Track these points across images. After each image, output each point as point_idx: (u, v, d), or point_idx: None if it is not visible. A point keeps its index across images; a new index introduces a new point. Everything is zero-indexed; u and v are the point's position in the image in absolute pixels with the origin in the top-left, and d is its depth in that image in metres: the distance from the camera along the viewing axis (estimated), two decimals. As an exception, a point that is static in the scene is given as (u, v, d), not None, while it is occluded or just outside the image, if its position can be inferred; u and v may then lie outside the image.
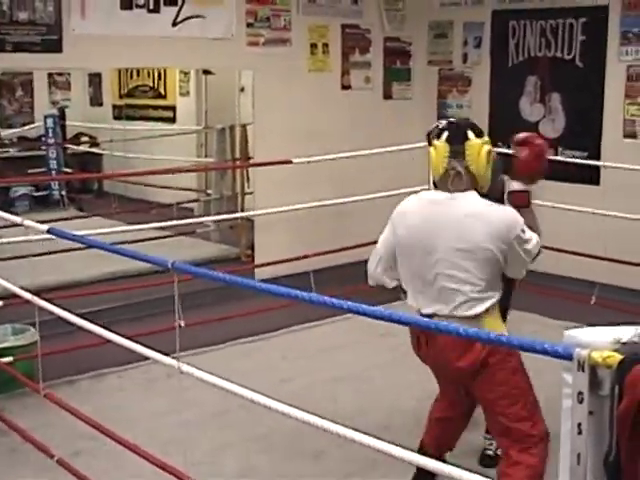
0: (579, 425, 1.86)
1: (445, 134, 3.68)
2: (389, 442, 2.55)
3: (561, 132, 8.36)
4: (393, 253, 3.87)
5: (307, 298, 2.74)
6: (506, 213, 3.67)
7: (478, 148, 3.63)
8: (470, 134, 3.66)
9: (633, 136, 7.84)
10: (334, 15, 8.58)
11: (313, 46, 8.48)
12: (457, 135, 3.67)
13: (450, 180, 3.65)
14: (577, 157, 8.02)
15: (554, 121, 8.43)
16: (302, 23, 8.32)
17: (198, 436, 4.84)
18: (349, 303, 2.62)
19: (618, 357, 1.80)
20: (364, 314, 2.60)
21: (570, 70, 8.26)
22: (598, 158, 7.84)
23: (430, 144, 3.83)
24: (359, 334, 6.66)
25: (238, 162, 9.38)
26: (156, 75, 12.12)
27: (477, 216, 3.58)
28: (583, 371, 1.84)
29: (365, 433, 2.63)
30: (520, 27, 8.63)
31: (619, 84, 7.92)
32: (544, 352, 2.08)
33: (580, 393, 1.85)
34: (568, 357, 1.88)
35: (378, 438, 2.59)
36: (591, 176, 7.85)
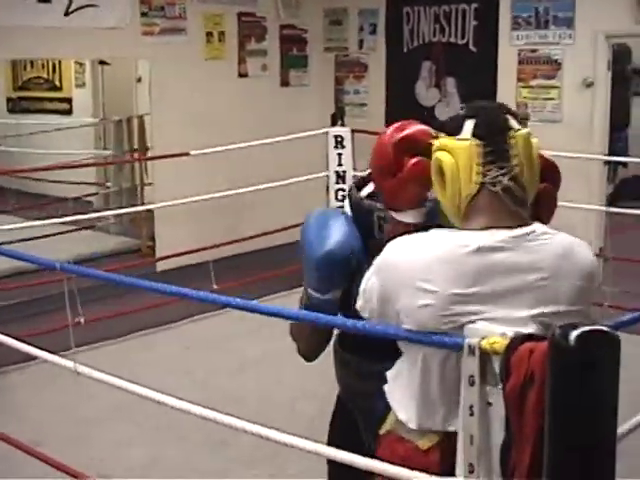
0: (471, 407, 1.91)
1: (470, 124, 2.18)
2: (294, 430, 2.56)
3: (456, 116, 8.48)
4: None
5: (181, 293, 2.73)
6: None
7: (527, 142, 2.18)
8: (511, 121, 2.19)
9: (525, 119, 8.01)
10: (229, 3, 8.56)
11: (209, 35, 8.45)
12: (491, 124, 2.17)
13: (496, 204, 2.14)
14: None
15: (449, 105, 8.55)
16: (197, 12, 8.28)
17: (102, 430, 4.80)
18: (223, 297, 2.65)
19: (504, 342, 1.85)
20: (239, 308, 2.58)
21: (464, 55, 8.41)
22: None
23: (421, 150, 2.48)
24: (260, 321, 6.64)
25: (136, 154, 9.29)
26: (51, 67, 11.90)
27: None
28: (474, 356, 1.90)
29: (269, 424, 2.62)
30: (414, 13, 8.74)
31: (511, 68, 8.09)
32: (433, 344, 2.08)
33: (471, 376, 1.91)
34: (459, 345, 1.94)
35: (283, 424, 2.59)
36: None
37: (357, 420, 2.82)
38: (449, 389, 2.10)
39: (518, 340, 1.84)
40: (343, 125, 7.77)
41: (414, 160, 2.51)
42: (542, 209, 2.32)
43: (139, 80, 9.96)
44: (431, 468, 2.17)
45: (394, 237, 2.25)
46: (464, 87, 8.46)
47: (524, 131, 2.18)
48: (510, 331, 1.90)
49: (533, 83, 7.99)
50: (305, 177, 7.69)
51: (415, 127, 2.68)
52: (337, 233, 2.57)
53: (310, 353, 2.97)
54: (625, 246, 7.60)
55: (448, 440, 2.13)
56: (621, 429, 2.60)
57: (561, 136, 7.57)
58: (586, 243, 2.22)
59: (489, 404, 1.91)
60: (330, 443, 3.04)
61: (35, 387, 5.79)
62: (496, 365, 1.86)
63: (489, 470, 1.91)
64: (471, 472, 1.92)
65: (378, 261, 2.22)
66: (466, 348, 1.91)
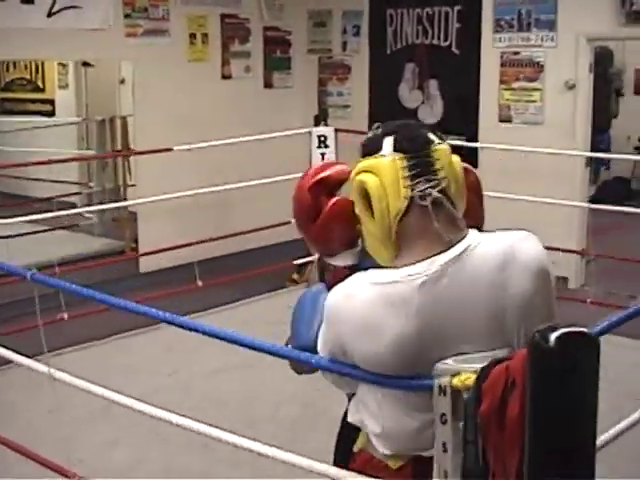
0: (444, 444, 1.95)
1: (389, 140, 2.11)
2: (276, 434, 2.56)
3: (439, 118, 8.52)
4: None
5: (122, 305, 2.70)
6: None
7: (449, 157, 2.14)
8: (431, 136, 2.15)
9: (508, 120, 8.06)
10: (213, 5, 8.56)
11: (192, 36, 8.45)
12: (412, 139, 2.11)
13: (431, 217, 2.04)
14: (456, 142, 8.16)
15: (432, 107, 8.59)
16: (181, 13, 8.27)
17: (84, 433, 4.79)
18: (160, 313, 2.63)
19: (473, 377, 1.88)
20: (175, 324, 2.56)
21: (447, 57, 8.43)
22: (476, 143, 8.01)
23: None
24: (245, 323, 6.66)
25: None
26: (34, 68, 11.86)
27: None
28: (445, 395, 1.92)
29: (251, 428, 2.62)
30: (397, 15, 8.76)
31: (494, 70, 8.12)
32: (401, 387, 2.08)
33: (443, 415, 1.94)
34: (427, 388, 1.97)
35: (266, 428, 2.59)
36: (470, 160, 8.00)
37: None
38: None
39: (484, 370, 1.86)
40: (327, 126, 7.79)
41: (332, 200, 2.49)
42: (469, 221, 2.14)
43: (122, 82, 9.95)
44: None
45: (336, 283, 2.12)
46: (447, 89, 8.49)
47: (445, 145, 2.13)
48: (480, 363, 1.92)
49: (515, 85, 8.02)
50: (287, 177, 7.69)
51: (332, 168, 2.64)
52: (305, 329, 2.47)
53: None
54: (607, 246, 7.65)
55: (420, 459, 2.11)
56: (603, 436, 2.63)
57: (543, 138, 7.62)
58: (528, 234, 2.08)
59: (455, 435, 1.92)
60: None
61: (16, 389, 5.78)
62: (470, 400, 1.88)
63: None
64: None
65: (324, 313, 2.14)
66: (436, 389, 1.94)
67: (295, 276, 7.83)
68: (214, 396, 5.30)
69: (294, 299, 2.57)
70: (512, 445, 1.79)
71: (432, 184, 2.04)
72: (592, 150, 8.14)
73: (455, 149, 2.18)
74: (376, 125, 2.18)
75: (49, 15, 7.16)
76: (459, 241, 2.03)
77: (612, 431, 2.47)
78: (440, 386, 1.93)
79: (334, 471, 2.27)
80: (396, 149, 2.08)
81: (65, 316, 5.74)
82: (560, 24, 7.73)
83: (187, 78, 8.36)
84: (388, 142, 2.09)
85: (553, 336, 1.66)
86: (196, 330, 2.52)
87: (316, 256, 2.81)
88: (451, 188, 2.09)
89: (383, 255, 2.12)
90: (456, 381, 1.91)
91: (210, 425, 2.82)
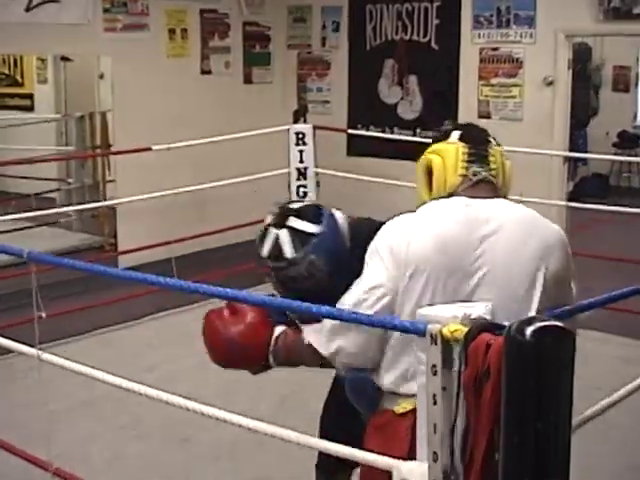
0: (434, 396, 1.93)
1: (457, 133, 2.63)
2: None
3: (419, 114, 8.55)
4: None
5: (166, 283, 2.70)
6: None
7: (502, 158, 2.63)
8: (490, 138, 2.66)
9: (487, 116, 8.08)
10: (192, 0, 8.54)
11: (171, 31, 8.43)
12: (475, 135, 2.66)
13: (470, 185, 2.56)
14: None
15: (412, 103, 8.61)
16: (160, 8, 8.25)
17: (64, 427, 4.77)
18: (206, 287, 2.54)
19: (464, 329, 1.87)
20: (223, 297, 2.58)
21: (426, 53, 8.45)
22: (455, 138, 8.03)
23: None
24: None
25: (98, 150, 9.25)
26: (12, 62, 11.80)
27: None
28: (436, 345, 1.90)
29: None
30: (377, 11, 8.77)
31: (473, 66, 8.15)
32: (395, 328, 2.15)
33: (434, 366, 1.91)
34: (421, 332, 1.95)
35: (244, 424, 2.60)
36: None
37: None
38: None
39: (474, 330, 1.87)
40: (305, 122, 7.79)
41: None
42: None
43: (101, 77, 9.91)
44: (400, 433, 2.34)
45: None
46: (426, 85, 8.51)
47: (500, 147, 2.64)
48: (459, 312, 1.93)
49: (494, 81, 8.05)
50: (265, 174, 7.71)
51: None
52: None
53: None
54: (586, 243, 7.68)
55: None
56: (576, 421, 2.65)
57: (522, 134, 7.65)
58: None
59: (444, 388, 1.93)
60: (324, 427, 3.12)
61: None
62: (456, 353, 1.89)
63: (452, 457, 1.94)
64: (435, 460, 1.94)
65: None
66: (428, 336, 1.92)
67: (274, 272, 7.81)
68: (194, 391, 5.27)
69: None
70: (482, 431, 1.82)
71: (484, 169, 2.55)
72: (570, 146, 8.18)
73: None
74: (447, 122, 3.18)
75: (28, 9, 7.13)
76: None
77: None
78: (432, 334, 1.91)
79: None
80: (461, 139, 2.59)
81: (43, 315, 5.71)
82: (539, 20, 7.76)
83: (166, 73, 8.34)
84: (456, 134, 2.62)
85: (529, 329, 1.68)
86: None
87: None
88: (499, 179, 2.58)
89: None
90: (446, 331, 1.90)
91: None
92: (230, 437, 4.52)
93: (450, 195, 2.52)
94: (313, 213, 2.74)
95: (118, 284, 6.24)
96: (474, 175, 2.52)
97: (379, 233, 2.47)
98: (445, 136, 2.64)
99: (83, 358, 3.50)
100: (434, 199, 2.54)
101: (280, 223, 2.72)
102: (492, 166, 2.55)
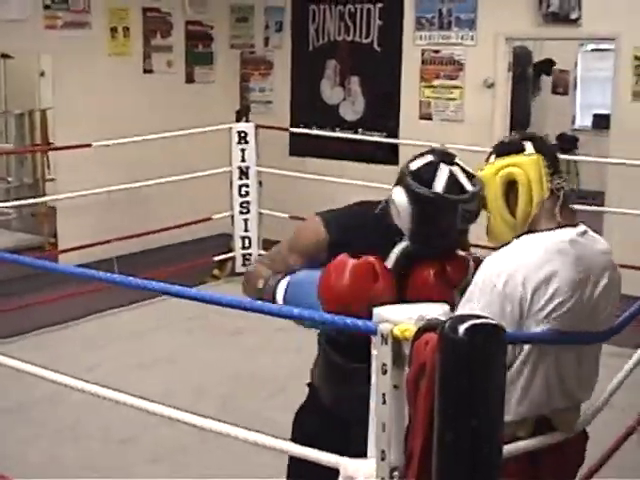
0: (383, 395, 1.94)
1: (530, 144, 2.56)
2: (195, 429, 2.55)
3: (361, 114, 8.59)
4: None
5: (115, 280, 2.66)
6: None
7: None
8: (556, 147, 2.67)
9: (428, 118, 8.15)
10: (134, -2, 8.51)
11: (113, 30, 8.37)
12: (545, 147, 2.60)
13: (559, 205, 2.51)
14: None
15: (354, 103, 8.65)
16: (102, 6, 8.19)
17: (1, 429, 4.73)
18: (157, 284, 2.53)
19: (414, 329, 1.89)
20: (176, 295, 2.54)
21: (368, 54, 8.50)
22: (396, 139, 8.08)
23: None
24: (165, 319, 6.66)
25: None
26: (-50, 59, 11.63)
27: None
28: (386, 344, 1.92)
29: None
30: (320, 12, 8.79)
31: (415, 68, 8.22)
32: (347, 327, 2.13)
33: (384, 365, 1.93)
34: (372, 332, 1.96)
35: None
36: (390, 157, 8.07)
37: (347, 429, 2.74)
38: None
39: (422, 329, 1.88)
40: (248, 122, 7.78)
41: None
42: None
43: (42, 74, 9.81)
44: None
45: None
46: (368, 86, 8.56)
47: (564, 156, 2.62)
48: (415, 314, 1.96)
49: (436, 83, 8.13)
50: (207, 172, 7.70)
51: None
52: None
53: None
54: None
55: None
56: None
57: (463, 135, 7.72)
58: None
59: (395, 387, 1.94)
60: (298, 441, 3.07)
61: None
62: (406, 351, 1.91)
63: (399, 454, 1.95)
64: (383, 459, 1.95)
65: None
66: (379, 336, 1.93)
67: (216, 272, 7.82)
68: (132, 391, 5.24)
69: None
70: (419, 427, 1.85)
71: (564, 180, 2.52)
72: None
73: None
74: (513, 133, 2.75)
75: (-35, 6, 7.05)
76: (576, 224, 2.52)
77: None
78: (382, 334, 1.93)
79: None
80: (537, 151, 2.52)
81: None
82: (480, 23, 7.85)
83: (108, 72, 8.29)
84: (530, 145, 2.54)
85: (462, 327, 1.70)
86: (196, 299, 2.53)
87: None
88: (570, 194, 2.53)
89: (507, 237, 2.52)
90: (397, 331, 1.91)
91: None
92: (170, 437, 4.50)
93: (536, 220, 2.49)
94: None
95: (57, 283, 6.20)
96: (558, 189, 2.49)
97: None
98: (518, 148, 2.55)
99: (23, 358, 3.47)
100: (520, 218, 2.50)
101: (447, 160, 2.61)
102: (564, 177, 2.55)
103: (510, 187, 2.51)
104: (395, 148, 7.94)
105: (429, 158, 2.63)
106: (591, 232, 2.53)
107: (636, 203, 6.64)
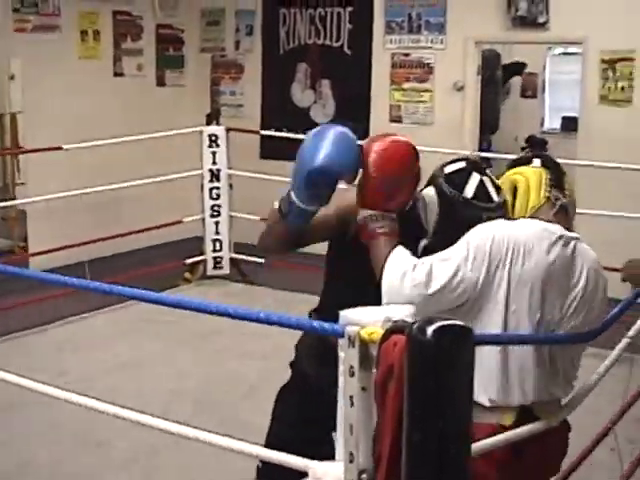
0: (351, 398, 1.95)
1: (539, 161, 2.89)
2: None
3: (331, 117, 8.64)
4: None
5: (85, 286, 2.67)
6: None
7: (573, 193, 2.88)
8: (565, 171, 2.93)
9: (398, 121, 8.22)
10: (104, 1, 8.50)
11: (84, 33, 8.37)
12: (553, 165, 2.90)
13: (553, 212, 2.78)
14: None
15: (324, 106, 8.71)
16: (72, 9, 8.19)
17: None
18: (128, 289, 2.53)
19: (381, 332, 1.91)
20: (146, 300, 2.55)
21: (339, 57, 8.56)
22: (367, 143, 8.13)
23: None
24: (137, 322, 6.66)
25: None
26: None
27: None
28: (353, 347, 1.93)
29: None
30: (290, 15, 8.84)
31: (385, 71, 8.30)
32: (315, 330, 2.18)
33: (351, 367, 1.94)
34: (339, 334, 1.97)
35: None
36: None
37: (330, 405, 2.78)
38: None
39: (388, 331, 1.90)
40: (219, 125, 7.80)
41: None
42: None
43: (12, 78, 9.77)
44: None
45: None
46: (339, 89, 8.62)
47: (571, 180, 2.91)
48: (382, 316, 1.98)
49: (406, 86, 8.19)
50: (178, 175, 7.71)
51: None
52: (331, 147, 2.65)
53: (272, 250, 3.19)
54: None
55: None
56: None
57: (433, 138, 7.76)
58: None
59: (363, 389, 1.96)
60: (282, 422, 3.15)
61: None
62: (373, 352, 1.92)
63: (367, 456, 1.96)
64: (351, 461, 1.96)
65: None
66: (346, 339, 1.95)
67: (187, 275, 7.83)
68: (105, 395, 5.24)
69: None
70: (387, 429, 1.86)
71: (562, 195, 2.79)
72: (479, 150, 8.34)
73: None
74: (526, 151, 3.10)
75: None
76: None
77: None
78: (350, 337, 1.94)
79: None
80: (543, 165, 2.84)
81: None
82: (449, 27, 7.93)
83: (78, 75, 8.28)
84: (538, 160, 2.88)
85: (430, 329, 1.72)
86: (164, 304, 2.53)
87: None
88: (569, 208, 2.80)
89: None
90: (364, 333, 1.93)
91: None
92: (145, 440, 4.51)
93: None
94: None
95: (27, 288, 6.18)
96: (556, 200, 2.77)
97: None
98: (527, 162, 2.90)
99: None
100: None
101: (478, 169, 2.81)
102: (567, 194, 2.80)
103: (514, 192, 2.82)
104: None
105: (462, 165, 2.82)
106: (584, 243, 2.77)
107: (604, 204, 6.72)
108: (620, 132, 7.22)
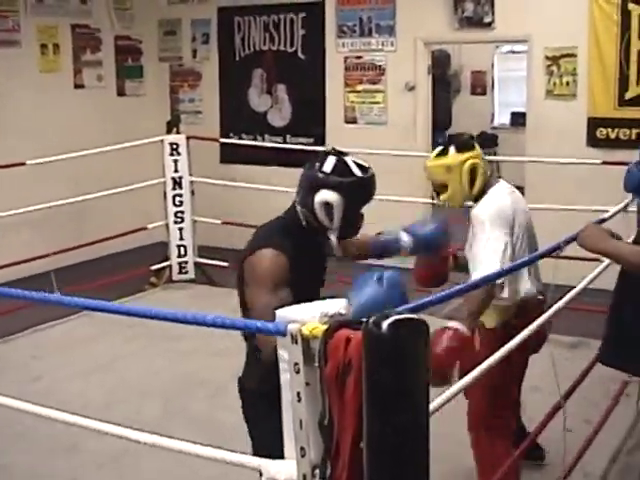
0: (298, 394, 2.02)
1: (476, 143, 4.04)
2: (140, 430, 2.61)
3: (288, 121, 8.84)
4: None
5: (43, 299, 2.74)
6: None
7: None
8: None
9: (353, 122, 8.43)
10: (63, 15, 8.62)
11: (43, 47, 8.48)
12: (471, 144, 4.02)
13: (494, 174, 4.21)
14: (304, 144, 8.47)
15: (281, 110, 8.89)
16: (31, 24, 8.30)
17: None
18: (81, 300, 2.61)
19: (322, 328, 1.97)
20: (99, 310, 2.61)
21: (293, 62, 8.75)
22: (323, 144, 8.26)
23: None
24: (106, 327, 6.58)
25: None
26: None
27: None
28: (297, 344, 1.99)
29: (116, 423, 2.63)
30: (245, 23, 9.01)
31: (338, 74, 8.50)
32: (257, 330, 2.28)
33: (296, 364, 2.00)
34: (282, 333, 2.03)
35: (129, 427, 2.59)
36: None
37: None
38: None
39: (332, 327, 1.98)
40: (179, 132, 7.90)
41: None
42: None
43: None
44: None
45: None
46: (295, 93, 8.82)
47: None
48: (317, 312, 2.09)
49: (359, 88, 8.40)
50: (141, 184, 7.82)
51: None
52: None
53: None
54: (457, 236, 7.98)
55: None
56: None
57: (387, 137, 8.02)
58: None
59: (307, 384, 2.01)
60: None
61: None
62: (315, 348, 1.98)
63: (319, 451, 2.02)
64: (303, 456, 2.02)
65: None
66: (289, 336, 2.00)
67: (153, 279, 7.92)
68: (77, 400, 5.32)
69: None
70: (348, 423, 1.93)
71: (487, 162, 4.04)
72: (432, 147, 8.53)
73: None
74: (468, 135, 4.21)
75: None
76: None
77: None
78: (292, 334, 1.98)
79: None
80: (480, 146, 4.04)
81: None
82: (399, 29, 8.14)
83: (39, 88, 8.40)
84: (478, 144, 4.02)
85: (385, 323, 1.76)
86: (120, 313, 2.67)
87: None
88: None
89: (462, 202, 4.02)
90: (305, 330, 1.97)
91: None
92: (116, 444, 4.53)
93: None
94: None
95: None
96: (490, 174, 4.00)
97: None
98: (472, 145, 3.96)
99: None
100: (476, 190, 3.91)
101: (343, 153, 3.07)
102: (485, 160, 4.00)
103: (473, 172, 3.90)
104: (323, 153, 8.16)
105: (331, 157, 3.01)
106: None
107: (553, 197, 6.95)
108: (566, 125, 7.47)
